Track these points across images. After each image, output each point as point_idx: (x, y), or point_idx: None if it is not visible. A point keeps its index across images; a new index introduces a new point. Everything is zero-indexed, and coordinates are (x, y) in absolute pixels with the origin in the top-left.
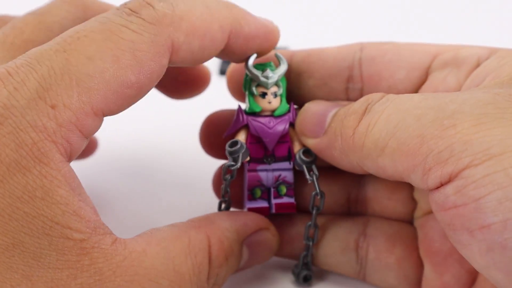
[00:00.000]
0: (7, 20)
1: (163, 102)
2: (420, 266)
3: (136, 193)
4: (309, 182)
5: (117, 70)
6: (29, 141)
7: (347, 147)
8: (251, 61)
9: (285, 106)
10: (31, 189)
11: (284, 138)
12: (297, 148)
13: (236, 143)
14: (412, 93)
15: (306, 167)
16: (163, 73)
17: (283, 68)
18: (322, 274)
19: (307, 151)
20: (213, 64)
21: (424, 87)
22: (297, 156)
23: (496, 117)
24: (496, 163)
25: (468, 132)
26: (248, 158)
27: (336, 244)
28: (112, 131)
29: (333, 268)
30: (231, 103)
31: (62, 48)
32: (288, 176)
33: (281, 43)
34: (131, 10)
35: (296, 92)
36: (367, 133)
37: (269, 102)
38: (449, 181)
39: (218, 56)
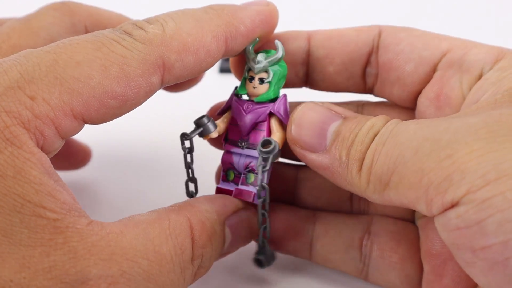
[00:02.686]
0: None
1: (164, 99)
2: (422, 266)
3: (121, 186)
4: (255, 172)
5: (103, 79)
6: (1, 124)
7: (354, 182)
8: (250, 45)
9: (270, 94)
10: (1, 167)
11: (261, 126)
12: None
13: (203, 117)
14: (419, 87)
15: (262, 157)
16: (153, 91)
17: (276, 55)
18: (322, 273)
19: (268, 142)
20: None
21: (430, 85)
22: (258, 145)
23: (489, 142)
24: (494, 187)
25: (464, 160)
26: (212, 134)
27: (340, 242)
28: (107, 129)
29: (335, 266)
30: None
31: (52, 50)
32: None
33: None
34: (124, 31)
35: (316, 77)
36: (372, 169)
37: (254, 87)
38: (451, 207)
39: (222, 57)
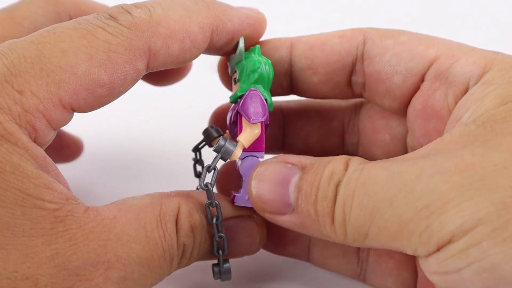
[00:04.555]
0: None
1: (164, 98)
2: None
3: (114, 179)
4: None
5: (90, 67)
6: None
7: (330, 235)
8: (241, 43)
9: (237, 92)
10: (0, 164)
11: (238, 127)
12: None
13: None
14: (409, 98)
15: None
16: (139, 77)
17: (235, 53)
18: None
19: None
20: (212, 62)
21: (416, 96)
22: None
23: (464, 190)
24: (471, 237)
25: (441, 210)
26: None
27: (337, 247)
28: (107, 124)
29: (333, 269)
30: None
31: (36, 40)
32: (239, 166)
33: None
34: (109, 15)
35: (301, 86)
36: (346, 222)
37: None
38: (434, 252)
39: (205, 52)
